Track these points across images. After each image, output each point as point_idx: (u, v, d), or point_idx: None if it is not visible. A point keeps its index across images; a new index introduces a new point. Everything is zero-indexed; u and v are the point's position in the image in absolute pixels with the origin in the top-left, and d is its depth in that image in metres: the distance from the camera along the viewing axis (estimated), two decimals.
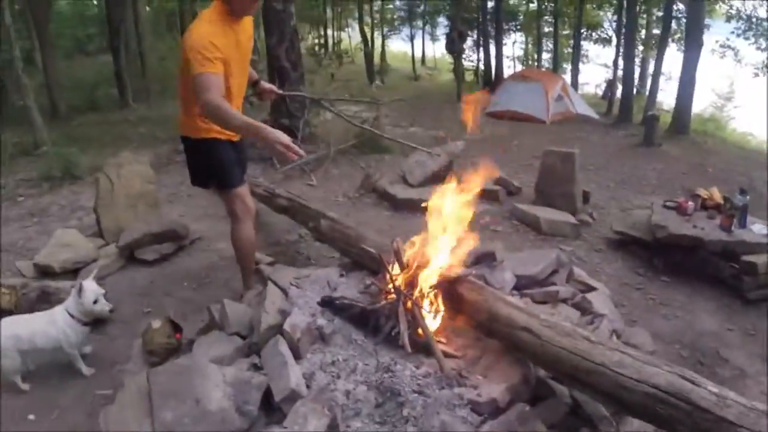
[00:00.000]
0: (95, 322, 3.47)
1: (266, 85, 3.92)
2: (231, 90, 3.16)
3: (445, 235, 2.91)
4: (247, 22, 3.31)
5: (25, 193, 7.13)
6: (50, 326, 3.12)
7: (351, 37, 31.11)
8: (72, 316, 3.16)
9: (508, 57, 24.55)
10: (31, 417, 2.99)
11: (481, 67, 21.35)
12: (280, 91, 4.22)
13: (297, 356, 2.52)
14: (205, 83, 2.85)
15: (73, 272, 4.29)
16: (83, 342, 3.35)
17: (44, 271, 4.36)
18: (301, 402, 2.22)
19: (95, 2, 25.06)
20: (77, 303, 3.15)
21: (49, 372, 3.31)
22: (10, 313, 3.50)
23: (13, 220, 6.14)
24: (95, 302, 3.17)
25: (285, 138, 2.66)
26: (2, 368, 3.08)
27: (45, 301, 3.79)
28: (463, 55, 19.63)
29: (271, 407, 2.33)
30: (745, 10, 16.10)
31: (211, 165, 3.50)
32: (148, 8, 22.80)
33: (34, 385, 3.20)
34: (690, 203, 4.92)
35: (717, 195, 5.04)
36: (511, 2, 24.75)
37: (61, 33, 19.36)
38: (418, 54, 30.51)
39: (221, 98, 2.85)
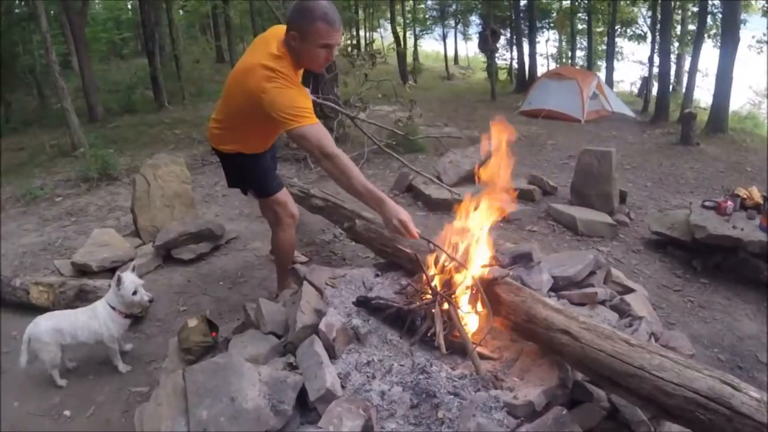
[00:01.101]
0: (132, 321, 3.52)
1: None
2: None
3: (480, 235, 2.89)
4: None
5: (63, 193, 7.29)
6: (92, 320, 3.19)
7: (383, 37, 31.12)
8: (113, 308, 3.21)
9: (541, 55, 24.36)
10: (67, 413, 3.06)
11: (515, 65, 21.19)
12: (313, 97, 4.23)
13: (332, 356, 2.52)
14: (314, 134, 2.78)
15: (110, 271, 4.36)
16: (124, 336, 3.41)
17: (82, 270, 4.45)
18: (336, 402, 2.21)
19: (129, 7, 25.55)
20: (117, 294, 3.20)
21: (85, 368, 3.39)
22: (47, 310, 3.58)
23: (51, 220, 6.29)
24: (134, 293, 3.22)
25: (404, 215, 2.65)
26: (42, 361, 3.15)
27: (83, 299, 3.88)
28: (497, 54, 19.51)
29: (306, 407, 2.32)
30: None
31: (248, 176, 3.52)
32: (181, 12, 23.09)
33: (70, 381, 3.27)
34: (729, 203, 4.83)
35: (756, 194, 4.94)
36: (544, 0, 24.54)
37: (97, 37, 19.78)
38: (450, 53, 30.47)
39: (345, 155, 2.79)
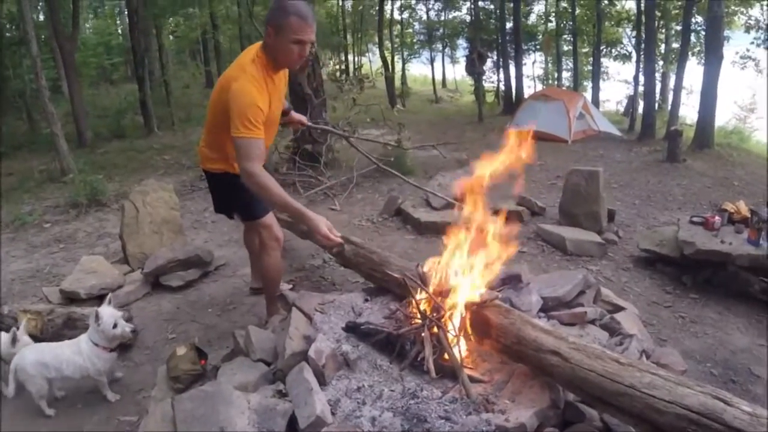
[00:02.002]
0: (121, 349, 3.49)
1: (296, 115, 3.97)
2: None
3: (469, 257, 2.89)
4: None
5: (52, 219, 7.26)
6: (77, 355, 3.13)
7: (372, 61, 31.38)
8: (96, 344, 3.17)
9: (528, 77, 24.53)
10: None
11: (502, 87, 21.34)
12: (309, 123, 4.27)
13: (322, 382, 2.50)
14: (248, 149, 2.91)
15: (98, 298, 4.31)
16: (111, 368, 3.37)
17: (70, 297, 4.40)
18: (327, 429, 2.20)
19: (119, 32, 25.67)
20: (97, 330, 3.16)
21: (74, 397, 3.34)
22: (35, 338, 3.54)
23: (39, 247, 6.25)
24: (114, 326, 3.17)
25: (323, 228, 2.86)
26: (29, 393, 3.11)
27: (71, 327, 3.83)
28: (484, 77, 19.65)
29: None
30: (765, 19, 15.98)
31: (234, 198, 3.54)
32: (171, 37, 23.20)
33: (59, 410, 3.22)
34: (717, 218, 4.86)
35: (744, 208, 4.97)
36: (530, 22, 24.82)
37: (87, 62, 19.77)
38: (438, 77, 30.70)
39: (264, 172, 2.92)
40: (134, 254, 5.05)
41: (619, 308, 3.54)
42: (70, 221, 7.15)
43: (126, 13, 18.59)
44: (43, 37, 16.25)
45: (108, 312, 3.18)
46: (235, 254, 5.44)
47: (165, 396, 2.87)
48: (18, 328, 3.32)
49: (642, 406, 2.06)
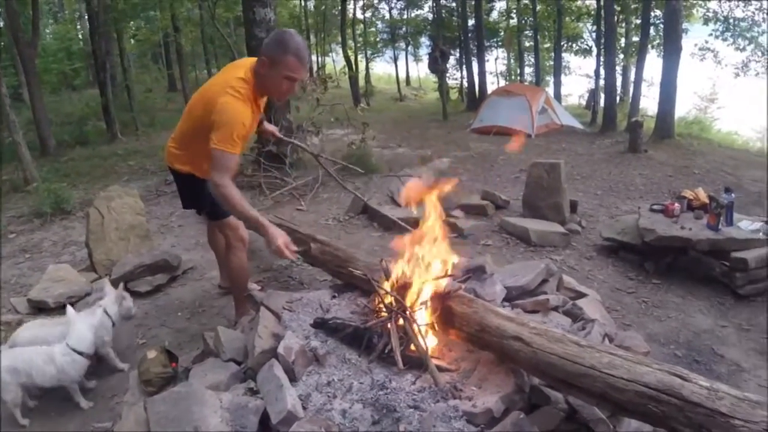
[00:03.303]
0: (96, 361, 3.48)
1: (269, 126, 4.06)
2: None
3: (432, 251, 2.95)
4: None
5: (17, 229, 7.13)
6: (49, 363, 3.11)
7: (335, 61, 31.31)
8: (74, 350, 3.16)
9: (491, 73, 24.76)
10: None
11: (465, 84, 21.48)
12: (281, 135, 4.32)
13: (292, 378, 2.54)
14: (224, 162, 2.98)
15: (65, 307, 4.29)
16: (88, 373, 3.36)
17: (38, 307, 4.37)
18: (298, 423, 2.23)
19: (80, 37, 25.24)
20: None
21: (47, 406, 3.32)
22: None
23: (5, 257, 6.14)
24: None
25: (280, 240, 2.90)
26: (3, 401, 3.08)
27: None
28: (447, 74, 19.76)
29: (270, 430, 2.34)
30: (722, 11, 16.34)
31: (201, 197, 3.56)
32: (132, 41, 22.90)
33: (33, 420, 3.20)
34: (676, 205, 5.00)
35: (702, 195, 5.11)
36: (492, 19, 25.03)
37: (48, 68, 19.38)
38: (402, 75, 30.80)
39: (233, 185, 2.99)
40: (101, 261, 5.01)
41: (581, 295, 3.62)
42: (35, 231, 7.03)
43: (86, 17, 18.29)
44: (2, 44, 15.93)
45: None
46: (202, 257, 5.42)
47: (138, 400, 2.87)
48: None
49: (603, 385, 2.13)
